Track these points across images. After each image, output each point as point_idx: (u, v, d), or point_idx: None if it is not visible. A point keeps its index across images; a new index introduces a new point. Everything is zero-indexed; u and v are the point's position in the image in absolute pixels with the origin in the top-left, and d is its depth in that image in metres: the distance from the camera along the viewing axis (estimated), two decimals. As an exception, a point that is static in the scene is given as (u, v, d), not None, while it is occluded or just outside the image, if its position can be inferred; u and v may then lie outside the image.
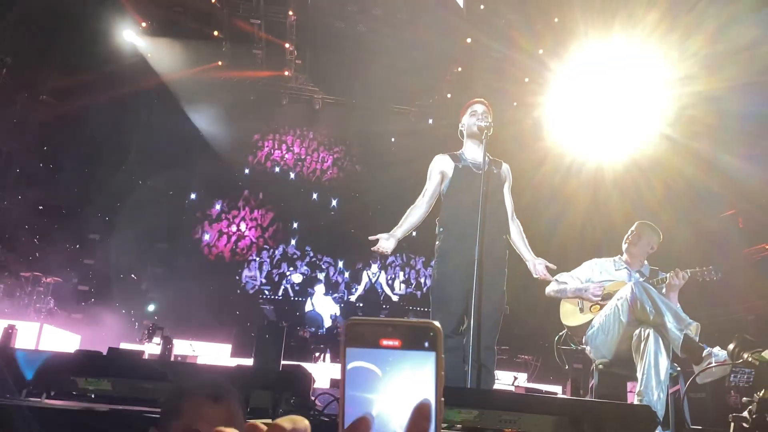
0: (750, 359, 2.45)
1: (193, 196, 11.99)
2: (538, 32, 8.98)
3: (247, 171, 11.81)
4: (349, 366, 0.55)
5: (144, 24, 9.84)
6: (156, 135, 10.15)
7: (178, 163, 10.93)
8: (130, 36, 9.79)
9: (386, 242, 3.66)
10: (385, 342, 0.54)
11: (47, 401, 2.38)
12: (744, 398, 2.37)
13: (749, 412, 2.27)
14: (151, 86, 10.02)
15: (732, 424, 2.32)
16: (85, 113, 9.46)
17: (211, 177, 11.36)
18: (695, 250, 5.37)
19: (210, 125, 10.70)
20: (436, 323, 0.55)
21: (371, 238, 3.68)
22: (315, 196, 12.56)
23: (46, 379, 2.47)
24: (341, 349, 0.55)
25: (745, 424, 2.26)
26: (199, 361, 7.06)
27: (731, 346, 2.74)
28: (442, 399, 0.54)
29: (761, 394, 2.24)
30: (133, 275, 10.46)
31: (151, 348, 7.13)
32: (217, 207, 12.03)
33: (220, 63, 10.50)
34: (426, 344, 0.54)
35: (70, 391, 2.55)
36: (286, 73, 10.84)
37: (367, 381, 0.54)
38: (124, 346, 8.14)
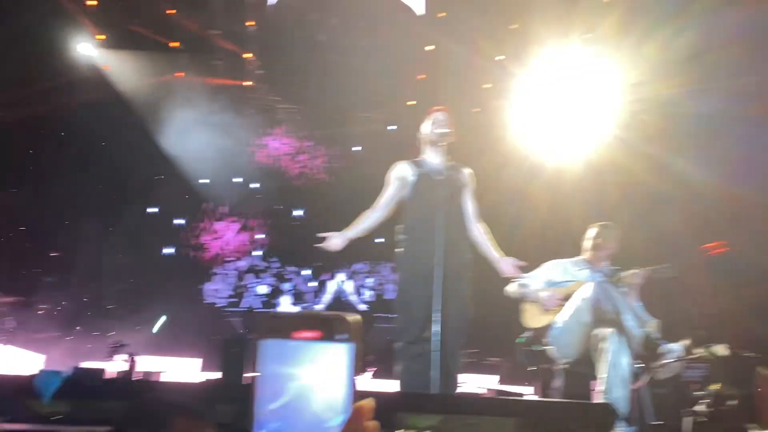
0: (704, 354, 2.52)
1: (155, 209, 11.79)
2: (498, 38, 9.11)
3: (208, 181, 11.66)
4: (265, 353, 0.55)
5: (100, 37, 9.66)
6: (116, 148, 9.96)
7: (139, 176, 10.75)
8: (86, 49, 9.60)
9: (335, 240, 3.65)
10: (299, 334, 0.55)
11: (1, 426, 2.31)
12: (696, 392, 2.43)
13: (707, 405, 2.33)
14: (110, 99, 9.83)
15: (684, 419, 2.38)
16: (40, 128, 9.24)
17: (174, 189, 11.19)
18: (650, 250, 5.51)
19: (170, 137, 10.53)
20: (354, 315, 0.56)
21: (320, 235, 3.67)
22: (281, 206, 12.47)
23: (2, 403, 2.40)
24: (256, 340, 0.55)
25: (700, 418, 2.33)
26: (165, 377, 6.92)
27: (686, 342, 2.82)
28: (356, 387, 0.55)
29: (715, 388, 2.31)
30: (96, 292, 10.23)
31: (116, 365, 6.98)
32: (181, 220, 11.85)
33: (179, 74, 10.36)
34: (341, 336, 0.55)
35: (27, 414, 2.49)
36: (247, 83, 10.76)
37: (282, 368, 0.54)
38: (89, 364, 7.95)
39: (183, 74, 10.33)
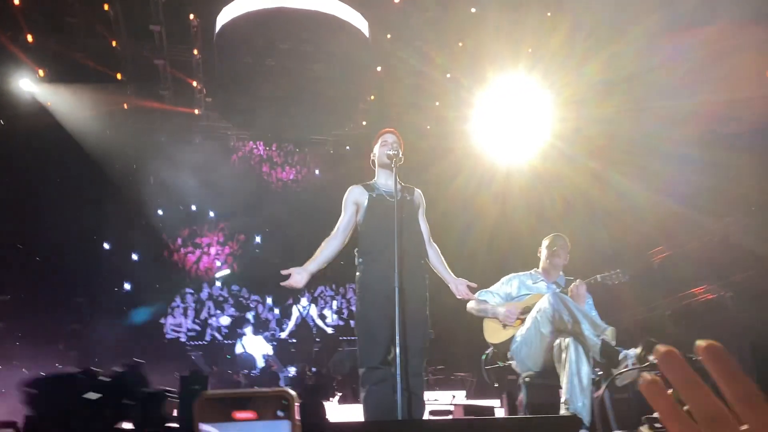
0: (655, 361, 2.56)
1: (106, 245, 11.50)
2: (445, 57, 9.28)
3: (160, 212, 11.45)
4: None
5: (41, 72, 9.43)
6: (62, 185, 9.69)
7: (88, 212, 10.47)
8: (27, 85, 9.36)
9: (298, 276, 3.61)
10: (238, 414, 0.54)
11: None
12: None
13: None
14: (54, 135, 9.58)
15: (643, 427, 2.42)
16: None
17: (125, 224, 10.94)
18: (592, 263, 5.69)
19: (120, 170, 10.32)
20: (290, 391, 0.55)
21: (284, 272, 3.63)
22: (243, 237, 12.34)
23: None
24: (194, 426, 0.53)
25: (657, 425, 2.37)
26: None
27: (638, 350, 2.88)
28: None
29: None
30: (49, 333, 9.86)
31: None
32: (134, 256, 11.58)
33: (125, 106, 10.20)
34: (280, 413, 0.54)
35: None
36: (196, 111, 10.65)
37: None
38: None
39: (126, 106, 10.16)
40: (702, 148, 6.07)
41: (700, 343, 0.50)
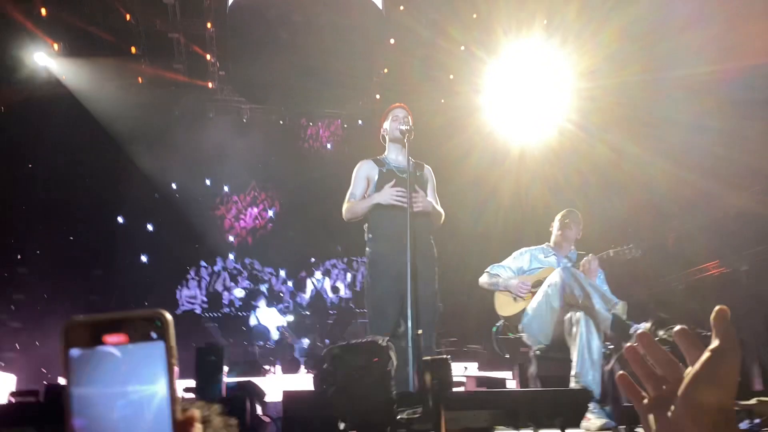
0: (665, 337, 2.59)
1: (120, 219, 11.63)
2: (459, 29, 9.15)
3: (174, 186, 11.53)
4: (74, 366, 0.51)
5: (56, 46, 9.45)
6: (78, 158, 9.78)
7: (103, 186, 10.58)
8: (42, 59, 9.39)
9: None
10: (109, 338, 0.52)
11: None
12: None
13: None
14: (69, 109, 9.64)
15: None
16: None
17: (139, 198, 11.05)
18: (607, 237, 5.66)
19: (134, 145, 10.39)
20: (164, 312, 0.53)
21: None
22: (256, 210, 12.43)
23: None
24: (61, 353, 0.51)
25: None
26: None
27: (648, 325, 2.89)
28: (176, 388, 0.52)
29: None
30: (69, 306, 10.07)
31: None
32: (149, 228, 11.71)
33: (140, 80, 10.21)
34: (153, 335, 0.52)
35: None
36: (210, 85, 10.63)
37: (96, 380, 0.51)
38: (63, 381, 7.84)
39: (141, 80, 10.17)
40: (721, 118, 5.95)
41: (676, 328, 0.70)
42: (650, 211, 7.05)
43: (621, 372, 0.71)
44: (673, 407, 0.64)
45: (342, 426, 2.41)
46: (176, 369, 0.53)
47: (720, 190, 6.19)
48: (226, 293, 11.71)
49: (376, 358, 2.48)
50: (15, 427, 2.42)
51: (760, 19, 5.58)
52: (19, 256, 10.01)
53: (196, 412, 0.55)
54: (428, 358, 2.49)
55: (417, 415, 2.39)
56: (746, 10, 5.72)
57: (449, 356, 3.76)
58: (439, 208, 3.89)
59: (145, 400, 0.51)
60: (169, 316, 0.53)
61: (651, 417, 0.67)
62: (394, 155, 3.86)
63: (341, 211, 3.87)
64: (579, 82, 7.47)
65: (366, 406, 2.32)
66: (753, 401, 2.27)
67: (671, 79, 6.38)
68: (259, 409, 3.39)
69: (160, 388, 0.52)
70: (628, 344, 0.69)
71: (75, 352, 0.52)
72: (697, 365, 0.63)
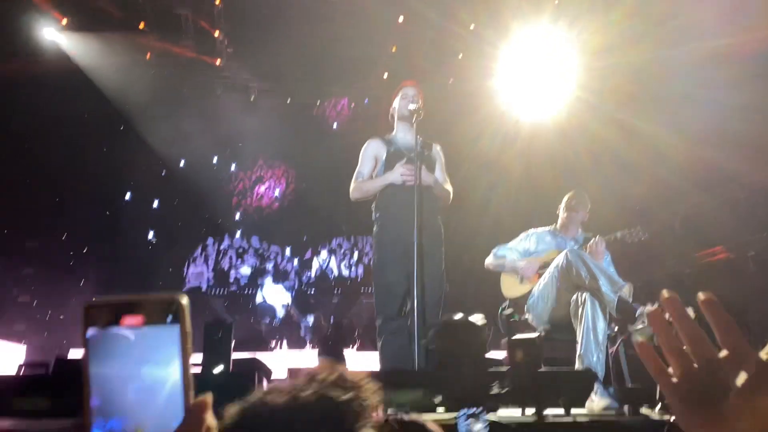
0: (671, 320, 2.58)
1: (128, 196, 11.68)
2: (470, 7, 9.04)
3: (182, 163, 11.55)
4: (92, 346, 0.53)
5: (64, 20, 9.40)
6: (85, 134, 9.79)
7: (111, 162, 10.60)
8: (50, 34, 9.35)
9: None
10: (126, 320, 0.53)
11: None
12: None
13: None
14: (77, 84, 9.62)
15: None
16: (7, 116, 9.05)
17: (146, 174, 11.07)
18: (619, 216, 5.60)
19: (142, 121, 10.38)
20: (181, 297, 0.54)
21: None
22: (262, 188, 12.44)
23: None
24: (81, 333, 0.53)
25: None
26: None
27: (654, 307, 2.89)
28: (190, 373, 0.53)
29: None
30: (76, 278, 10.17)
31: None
32: (155, 204, 11.76)
33: (148, 56, 10.16)
34: (169, 318, 0.53)
35: (10, 413, 2.49)
36: (218, 62, 10.57)
37: (111, 360, 0.52)
38: (74, 352, 7.95)
39: (149, 56, 10.12)
40: (738, 91, 5.84)
41: (700, 295, 0.57)
42: (664, 191, 6.96)
43: (641, 341, 0.63)
44: (716, 398, 0.56)
45: (437, 400, 2.45)
46: (191, 353, 0.53)
47: (736, 167, 6.08)
48: (232, 271, 11.78)
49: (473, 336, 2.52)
50: (25, 397, 2.45)
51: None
52: (27, 231, 10.08)
53: (209, 398, 0.55)
54: (519, 336, 2.54)
55: (506, 389, 2.45)
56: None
57: (542, 333, 3.79)
58: (448, 186, 3.87)
59: (159, 383, 0.52)
60: (185, 300, 0.54)
61: (677, 399, 0.60)
62: (403, 134, 3.84)
63: (348, 190, 3.85)
64: (590, 61, 7.37)
65: (463, 381, 2.38)
66: None
67: (685, 54, 6.24)
68: (265, 385, 3.43)
69: (174, 371, 0.53)
70: (653, 307, 0.64)
71: (93, 331, 0.53)
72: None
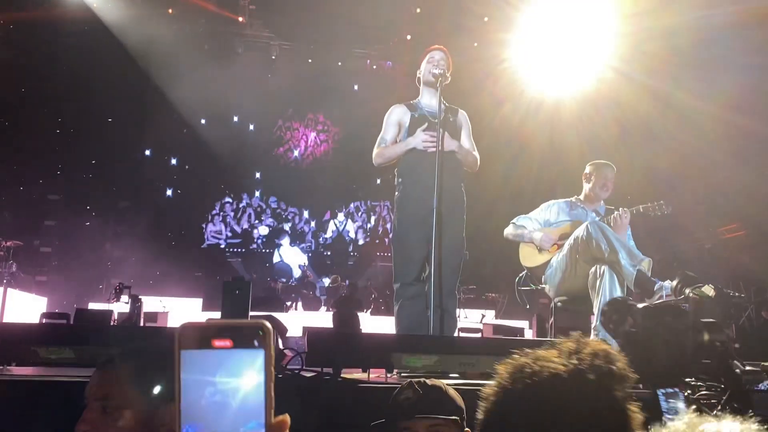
0: (691, 295, 2.57)
1: (147, 152, 11.74)
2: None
3: (203, 121, 11.55)
4: (183, 369, 0.58)
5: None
6: (107, 89, 9.80)
7: (132, 117, 10.64)
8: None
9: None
10: (217, 343, 0.58)
11: (7, 370, 2.38)
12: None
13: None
14: (101, 37, 9.60)
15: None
16: (32, 69, 9.09)
17: (167, 131, 11.10)
18: (647, 187, 5.50)
19: (164, 78, 10.35)
20: (266, 323, 0.58)
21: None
22: (281, 150, 12.44)
23: (6, 349, 2.46)
24: (176, 353, 0.58)
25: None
26: (171, 317, 7.08)
27: (674, 283, 2.86)
28: (272, 395, 0.58)
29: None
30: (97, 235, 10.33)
31: (120, 307, 7.12)
32: (173, 161, 11.82)
33: (170, 11, 10.08)
34: (255, 343, 0.58)
35: (32, 361, 2.55)
36: (240, 19, 10.47)
37: (200, 376, 0.58)
38: (93, 306, 8.12)
39: (171, 11, 10.03)
40: None
41: None
42: (697, 161, 6.78)
43: None
44: None
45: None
46: (273, 375, 0.58)
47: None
48: (250, 230, 11.88)
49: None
50: (48, 346, 2.51)
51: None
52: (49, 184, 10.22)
53: (287, 418, 0.60)
54: (707, 320, 2.50)
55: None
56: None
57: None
58: (475, 153, 3.82)
59: (242, 400, 0.57)
60: (269, 326, 0.58)
61: None
62: (427, 99, 3.78)
63: (369, 154, 3.83)
64: (621, 26, 7.13)
65: (665, 366, 2.41)
66: None
67: (720, 17, 6.00)
68: (280, 343, 3.49)
69: (257, 391, 0.58)
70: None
71: (185, 353, 0.58)
72: None
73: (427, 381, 1.68)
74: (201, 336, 0.58)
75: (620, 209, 3.95)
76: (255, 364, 0.58)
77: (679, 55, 6.69)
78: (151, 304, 7.85)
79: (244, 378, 0.57)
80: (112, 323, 5.64)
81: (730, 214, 6.62)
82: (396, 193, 3.71)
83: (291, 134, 12.53)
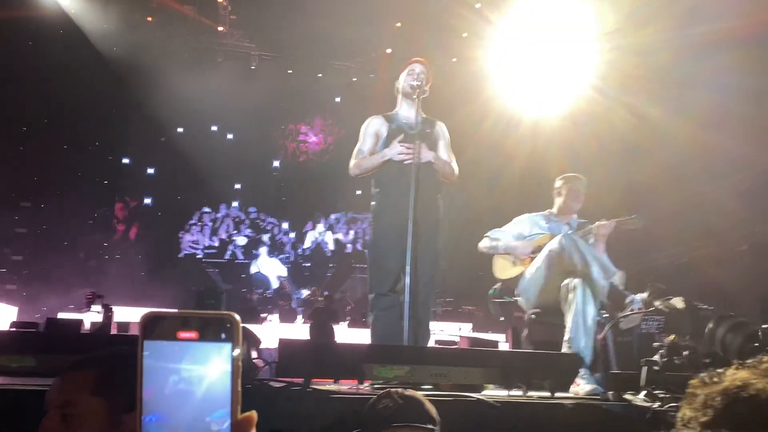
0: (661, 307, 2.60)
1: (125, 160, 11.62)
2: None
3: (181, 130, 11.47)
4: (146, 359, 0.56)
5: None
6: (84, 97, 9.70)
7: (109, 125, 10.52)
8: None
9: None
10: (182, 334, 0.56)
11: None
12: (655, 343, 2.53)
13: (660, 356, 2.42)
14: (78, 44, 9.50)
15: (643, 368, 2.48)
16: (4, 75, 8.95)
17: (144, 140, 11.00)
18: (623, 201, 5.57)
19: (143, 86, 10.27)
20: (234, 315, 0.56)
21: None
22: (261, 160, 12.38)
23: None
24: (139, 343, 0.56)
25: (655, 367, 2.42)
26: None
27: (644, 295, 2.90)
28: (239, 389, 0.56)
29: (670, 339, 2.40)
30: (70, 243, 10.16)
31: (92, 316, 6.99)
32: (151, 170, 11.71)
33: (150, 19, 10.03)
34: (223, 335, 0.56)
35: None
36: (221, 28, 10.45)
37: (164, 367, 0.56)
38: (63, 315, 7.97)
39: (151, 19, 9.98)
40: (744, 75, 5.75)
41: None
42: (670, 176, 6.90)
43: None
44: None
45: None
46: (240, 369, 0.56)
47: (742, 152, 6.01)
48: (228, 240, 11.79)
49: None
50: (13, 355, 2.46)
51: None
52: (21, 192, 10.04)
53: (254, 414, 0.58)
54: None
55: None
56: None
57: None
58: (453, 164, 3.83)
59: (206, 393, 0.56)
60: (238, 318, 0.57)
61: None
62: (405, 111, 3.80)
63: (347, 165, 3.83)
64: (597, 43, 7.28)
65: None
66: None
67: (695, 36, 6.14)
68: (254, 354, 3.45)
69: (223, 385, 0.56)
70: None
71: (149, 344, 0.56)
72: None
73: (405, 390, 1.69)
74: (166, 326, 0.56)
75: (602, 220, 3.99)
76: (221, 355, 0.56)
77: (653, 73, 6.83)
78: (124, 313, 7.73)
79: (210, 367, 0.55)
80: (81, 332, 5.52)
81: (703, 229, 6.75)
82: (372, 203, 3.72)
83: (271, 144, 12.49)
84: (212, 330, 0.56)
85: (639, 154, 7.24)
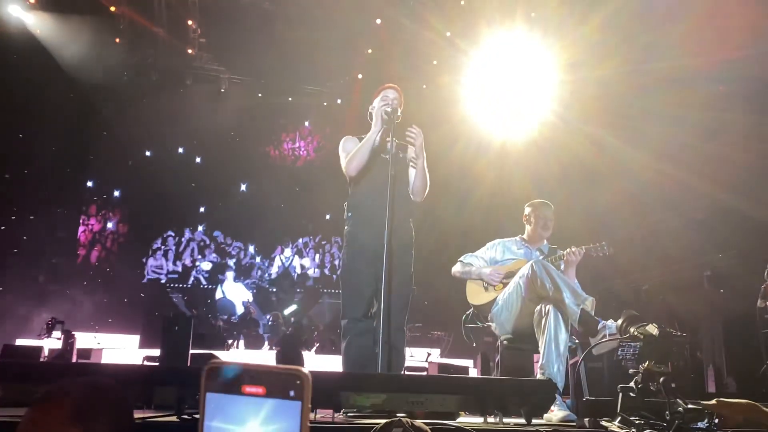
0: (636, 333, 2.63)
1: (90, 183, 11.37)
2: (446, 14, 9.10)
3: (148, 153, 11.31)
4: (209, 407, 0.52)
5: (32, -1, 9.09)
6: (49, 118, 9.49)
7: (75, 147, 10.31)
8: (17, 11, 9.03)
9: None
10: (248, 389, 0.52)
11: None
12: (630, 370, 2.55)
13: (635, 383, 2.44)
14: (42, 65, 9.31)
15: (620, 394, 2.50)
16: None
17: (110, 162, 10.80)
18: (585, 228, 5.69)
19: (109, 108, 10.12)
20: (304, 370, 0.53)
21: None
22: (228, 183, 12.26)
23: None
24: (201, 394, 0.52)
25: (631, 393, 2.44)
26: (105, 354, 6.76)
27: (619, 322, 2.94)
28: None
29: (645, 366, 2.42)
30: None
31: (52, 343, 6.77)
32: (116, 193, 11.48)
33: (117, 41, 9.92)
34: (291, 393, 0.52)
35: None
36: (190, 51, 10.40)
37: (227, 425, 0.52)
38: (21, 342, 7.70)
39: (119, 40, 9.86)
40: (702, 112, 5.99)
41: None
42: (630, 204, 7.11)
43: None
44: None
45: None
46: (308, 428, 0.52)
47: (698, 184, 6.22)
48: (192, 265, 11.58)
49: None
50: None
51: (739, 13, 5.63)
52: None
53: None
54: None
55: None
56: (725, 3, 5.78)
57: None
58: (426, 179, 3.84)
59: None
60: (308, 374, 0.52)
61: None
62: (378, 135, 3.82)
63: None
64: (560, 74, 7.50)
65: None
66: (713, 402, 2.33)
67: (651, 72, 6.42)
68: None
69: None
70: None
71: (212, 396, 0.52)
72: None
73: (413, 421, 1.73)
74: (231, 379, 0.52)
75: (572, 248, 4.04)
76: (288, 417, 0.51)
77: (612, 104, 7.07)
78: (85, 340, 7.50)
79: (277, 428, 0.51)
80: (42, 360, 5.35)
81: (661, 256, 6.93)
82: (346, 227, 3.71)
83: (239, 167, 12.37)
84: (280, 386, 0.52)
85: (599, 182, 7.44)
